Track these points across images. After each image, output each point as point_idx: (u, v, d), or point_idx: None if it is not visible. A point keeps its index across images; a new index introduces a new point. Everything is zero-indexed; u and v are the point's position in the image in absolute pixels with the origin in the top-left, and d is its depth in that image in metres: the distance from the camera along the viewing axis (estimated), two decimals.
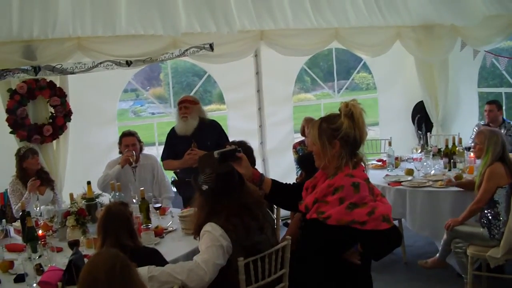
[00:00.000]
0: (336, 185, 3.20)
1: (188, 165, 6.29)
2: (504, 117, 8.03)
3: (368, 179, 3.29)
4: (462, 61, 9.54)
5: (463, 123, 9.39)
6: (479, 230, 5.39)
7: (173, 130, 6.62)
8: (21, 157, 6.22)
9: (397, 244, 3.35)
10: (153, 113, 22.56)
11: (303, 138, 7.89)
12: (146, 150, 6.85)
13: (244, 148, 5.44)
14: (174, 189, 6.92)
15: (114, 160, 6.55)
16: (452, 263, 5.80)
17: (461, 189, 5.97)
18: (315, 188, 3.41)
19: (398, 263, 6.76)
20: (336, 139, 3.26)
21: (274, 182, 3.80)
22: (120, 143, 6.56)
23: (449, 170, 6.79)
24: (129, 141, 6.46)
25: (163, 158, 6.69)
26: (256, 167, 4.85)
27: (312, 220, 3.27)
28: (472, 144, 6.30)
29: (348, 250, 3.30)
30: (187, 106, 6.42)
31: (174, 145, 6.56)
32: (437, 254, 5.86)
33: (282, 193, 3.76)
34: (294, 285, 3.66)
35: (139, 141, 6.55)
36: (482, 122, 8.09)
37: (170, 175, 6.88)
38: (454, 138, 7.17)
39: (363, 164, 3.35)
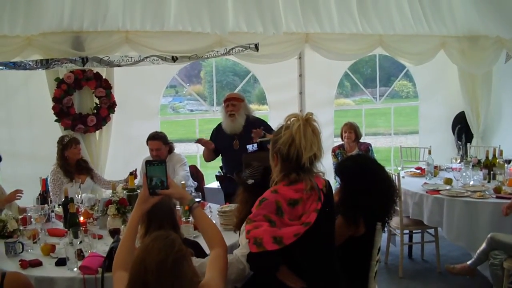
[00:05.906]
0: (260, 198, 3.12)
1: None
2: None
3: (296, 200, 3.06)
4: (506, 73, 9.43)
5: (505, 135, 9.29)
6: None
7: (220, 126, 6.59)
8: (64, 145, 6.27)
9: (264, 272, 3.20)
10: (191, 110, 22.73)
11: (342, 142, 7.87)
12: (184, 147, 6.84)
13: None
14: (218, 184, 6.97)
15: (147, 157, 6.47)
16: (487, 275, 5.76)
17: (500, 201, 5.93)
18: None
19: (432, 272, 6.74)
20: (273, 151, 3.18)
21: None
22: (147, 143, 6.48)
23: (489, 181, 6.75)
24: (154, 145, 6.37)
25: None
26: None
27: None
28: None
29: None
30: (234, 103, 6.37)
31: (219, 140, 6.54)
32: (469, 262, 5.82)
33: None
34: None
35: (166, 143, 6.45)
36: None
37: (216, 169, 6.81)
38: (495, 150, 7.11)
39: (305, 184, 3.08)
